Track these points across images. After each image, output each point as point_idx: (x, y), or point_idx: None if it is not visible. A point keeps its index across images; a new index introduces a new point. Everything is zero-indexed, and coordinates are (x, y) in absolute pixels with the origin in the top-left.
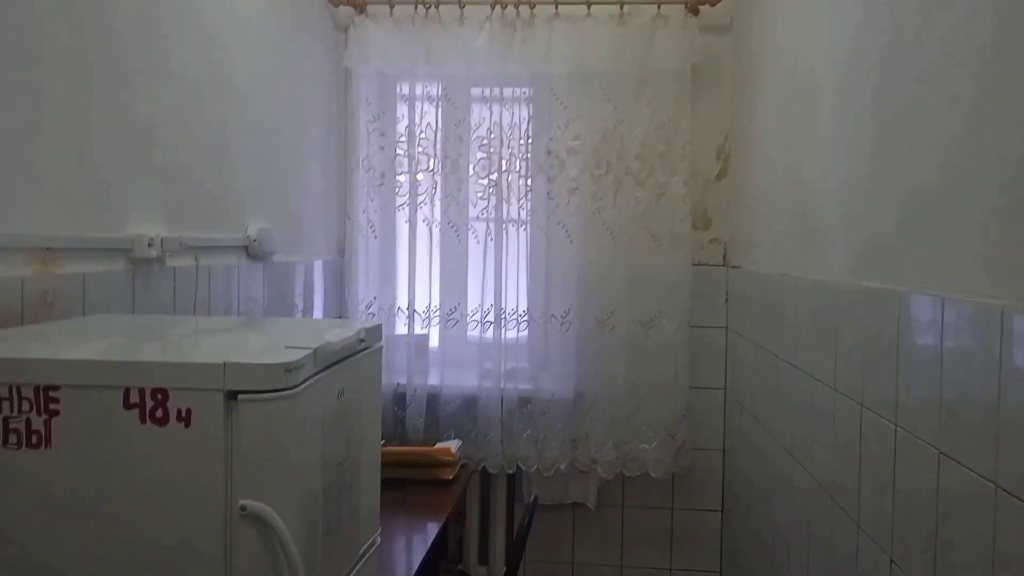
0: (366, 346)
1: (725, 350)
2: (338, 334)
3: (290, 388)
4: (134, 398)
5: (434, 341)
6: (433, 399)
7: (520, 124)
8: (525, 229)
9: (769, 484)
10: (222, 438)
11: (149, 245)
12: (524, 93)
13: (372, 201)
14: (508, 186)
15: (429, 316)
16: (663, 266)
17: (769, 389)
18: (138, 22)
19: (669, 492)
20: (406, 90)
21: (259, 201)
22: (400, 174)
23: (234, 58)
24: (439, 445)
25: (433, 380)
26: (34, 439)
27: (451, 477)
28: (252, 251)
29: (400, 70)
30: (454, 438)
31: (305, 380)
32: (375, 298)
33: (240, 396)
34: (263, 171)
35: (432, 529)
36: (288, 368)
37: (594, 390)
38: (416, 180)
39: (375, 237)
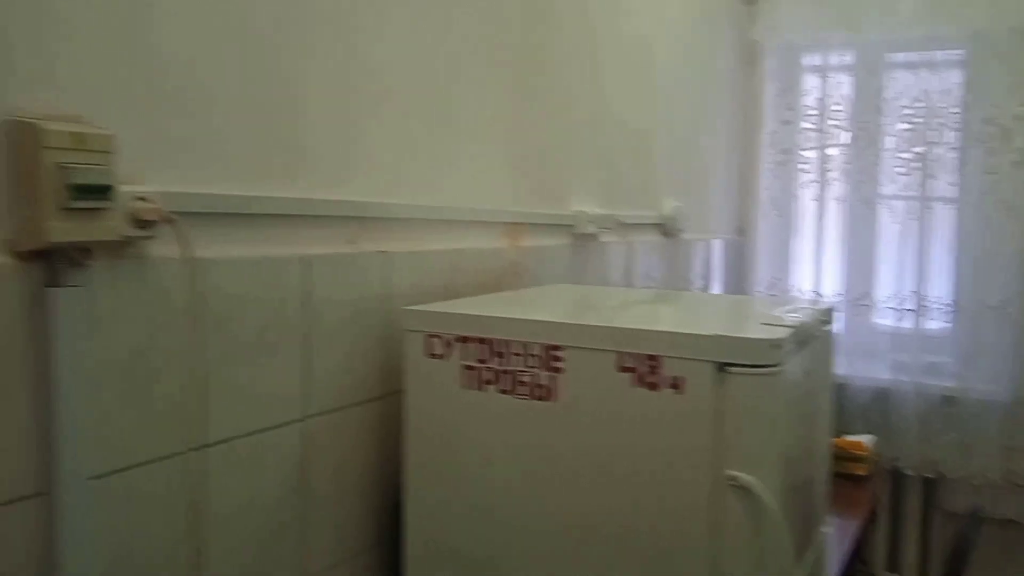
0: (828, 328)
1: None
2: (796, 313)
3: (775, 364)
4: (629, 362)
5: (838, 327)
6: (840, 389)
7: (951, 91)
8: (954, 208)
9: None
10: (712, 408)
11: (588, 222)
12: (956, 56)
13: (776, 179)
14: (935, 160)
15: (834, 301)
16: None
17: None
18: (577, 29)
19: None
20: (816, 61)
21: (671, 181)
22: (806, 149)
23: (655, 48)
24: (848, 438)
25: (840, 369)
26: (541, 392)
27: (864, 473)
28: (665, 229)
29: (811, 40)
30: (864, 432)
31: (786, 357)
32: (776, 279)
33: (731, 368)
34: (675, 152)
35: (850, 527)
36: (774, 344)
37: None
38: (825, 155)
39: (777, 216)
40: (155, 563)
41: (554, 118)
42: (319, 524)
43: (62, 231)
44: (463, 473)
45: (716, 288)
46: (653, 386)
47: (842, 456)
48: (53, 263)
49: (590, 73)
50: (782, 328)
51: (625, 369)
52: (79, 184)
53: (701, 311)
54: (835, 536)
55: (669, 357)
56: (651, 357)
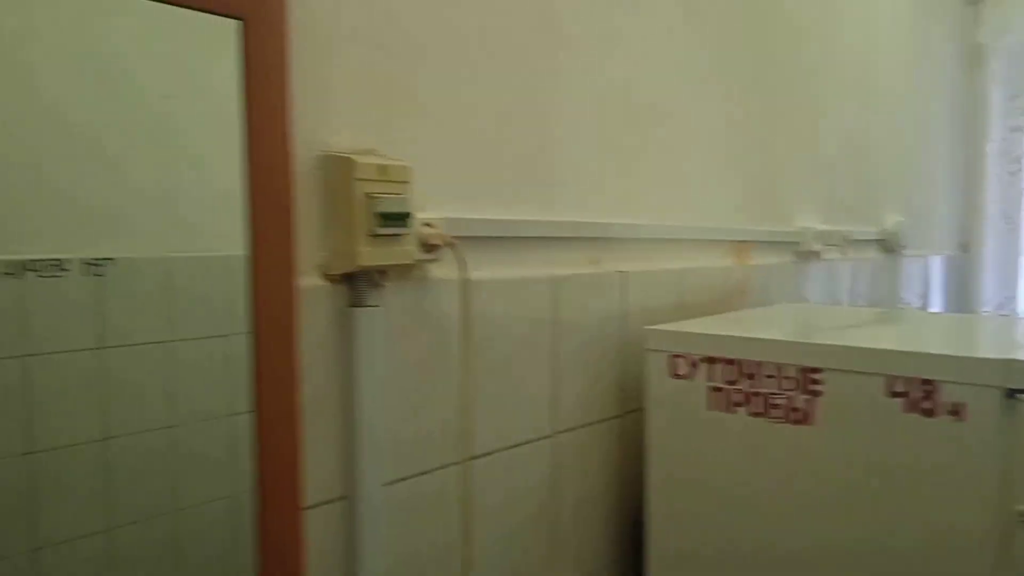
0: None
1: None
2: None
3: None
4: (899, 387)
5: None
6: None
7: None
8: None
9: None
10: (998, 437)
11: (813, 239)
12: None
13: (1006, 190)
14: None
15: None
16: None
17: None
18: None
19: None
20: None
21: (893, 194)
22: None
23: (874, 56)
24: None
25: None
26: (796, 416)
27: None
28: (887, 245)
29: None
30: None
31: None
32: (1006, 298)
33: (1021, 395)
34: (897, 164)
35: None
36: None
37: None
38: None
39: (1008, 230)
40: (434, 562)
41: (777, 133)
42: (565, 537)
43: (369, 256)
44: (708, 494)
45: (936, 307)
46: (929, 412)
47: None
48: (357, 285)
49: (811, 85)
50: None
51: (896, 394)
52: (384, 212)
53: (967, 332)
54: None
55: (948, 382)
56: (926, 381)
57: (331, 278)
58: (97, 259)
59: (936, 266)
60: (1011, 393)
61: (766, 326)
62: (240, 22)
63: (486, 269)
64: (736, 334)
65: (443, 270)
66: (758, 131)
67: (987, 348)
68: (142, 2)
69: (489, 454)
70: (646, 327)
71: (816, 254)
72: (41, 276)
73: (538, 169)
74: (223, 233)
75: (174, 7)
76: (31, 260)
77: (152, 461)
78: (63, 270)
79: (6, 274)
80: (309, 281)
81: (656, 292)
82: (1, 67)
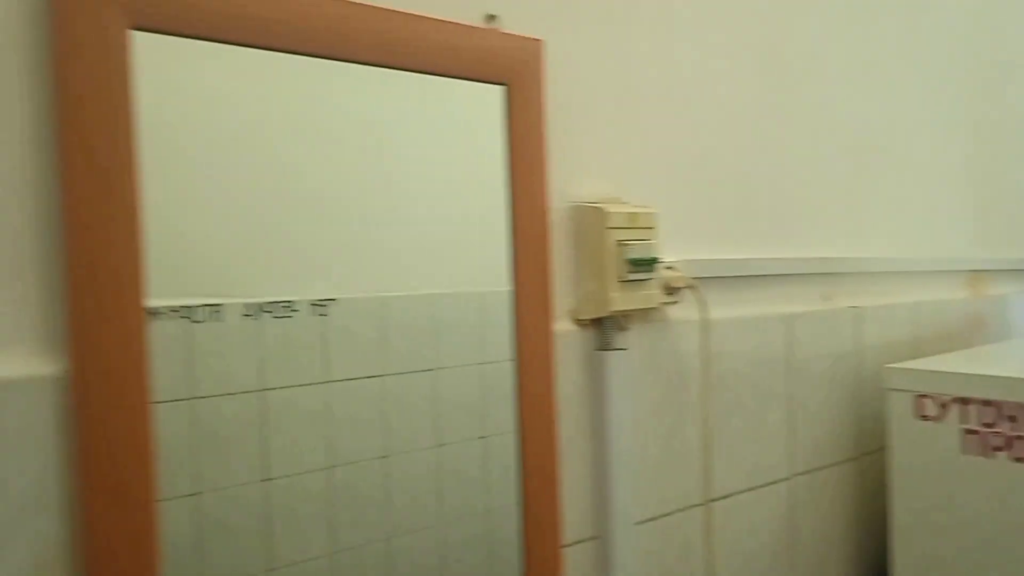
0: None
1: None
2: None
3: None
4: None
5: None
6: None
7: None
8: None
9: None
10: None
11: None
12: None
13: None
14: None
15: None
16: None
17: None
18: None
19: None
20: None
21: None
22: None
23: None
24: None
25: None
26: None
27: None
28: None
29: None
30: None
31: None
32: None
33: None
34: None
35: None
36: None
37: None
38: None
39: None
40: None
41: (1013, 154)
42: None
43: (620, 301)
44: (960, 542)
45: None
46: None
47: None
48: (606, 329)
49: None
50: None
51: None
52: (634, 258)
53: None
54: None
55: None
56: None
57: (581, 323)
58: (321, 300)
59: None
60: None
61: (1019, 363)
62: (504, 87)
63: (723, 308)
64: (990, 372)
65: (682, 311)
66: (992, 159)
67: None
68: (421, 77)
69: (728, 496)
70: (887, 365)
71: None
72: (275, 317)
73: (772, 207)
74: (477, 272)
75: (446, 78)
76: (266, 303)
77: (419, 479)
78: (293, 311)
79: (245, 316)
80: (562, 326)
81: (891, 327)
82: (280, 140)
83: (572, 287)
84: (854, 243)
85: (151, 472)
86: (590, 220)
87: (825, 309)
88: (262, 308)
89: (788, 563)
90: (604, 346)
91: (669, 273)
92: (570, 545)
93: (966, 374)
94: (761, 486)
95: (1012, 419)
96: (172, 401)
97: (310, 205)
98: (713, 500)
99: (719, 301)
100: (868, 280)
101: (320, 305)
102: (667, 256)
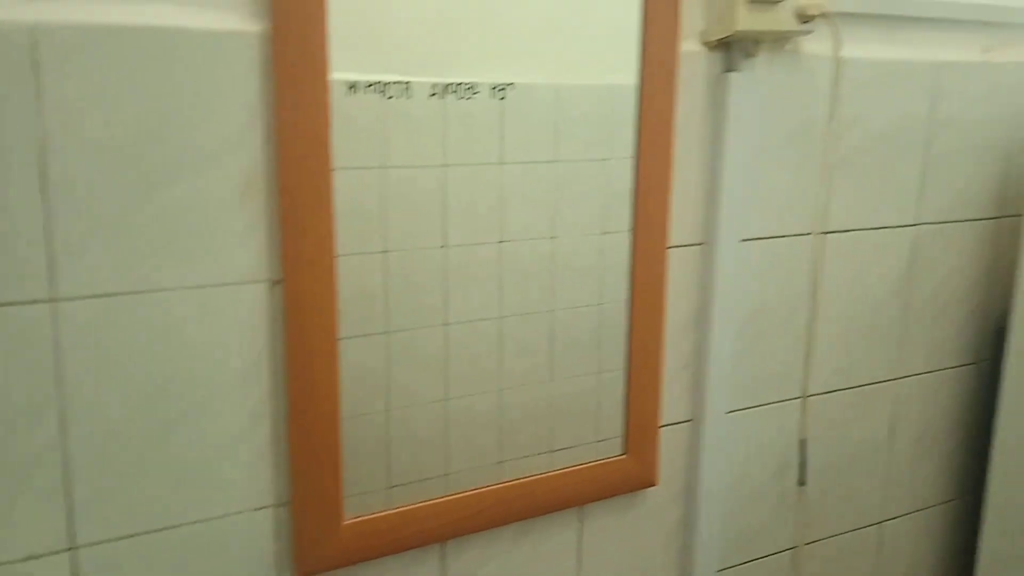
0: None
1: None
2: None
3: None
4: None
5: None
6: None
7: None
8: None
9: None
10: None
11: None
12: None
13: None
14: None
15: None
16: None
17: None
18: None
19: None
20: None
21: None
22: None
23: None
24: None
25: None
26: None
27: None
28: None
29: None
30: None
31: None
32: None
33: None
34: None
35: None
36: None
37: None
38: None
39: None
40: (778, 321)
41: None
42: (920, 329)
43: (746, 20)
44: None
45: None
46: None
47: None
48: (732, 52)
49: None
50: None
51: None
52: None
53: None
54: None
55: None
56: None
57: (710, 44)
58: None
59: None
60: None
61: None
62: None
63: (862, 47)
64: None
65: (816, 45)
66: None
67: None
68: None
69: (845, 231)
70: None
71: None
72: (460, 97)
73: None
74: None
75: None
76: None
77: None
78: (475, 93)
79: (431, 95)
80: (690, 46)
81: None
82: None
83: (704, 12)
84: None
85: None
86: None
87: (982, 61)
88: (447, 88)
89: (903, 310)
90: (730, 68)
91: (805, 1)
92: (677, 246)
93: None
94: (881, 227)
95: None
96: (362, 168)
97: None
98: (828, 232)
99: (862, 39)
100: None
101: (500, 89)
102: None
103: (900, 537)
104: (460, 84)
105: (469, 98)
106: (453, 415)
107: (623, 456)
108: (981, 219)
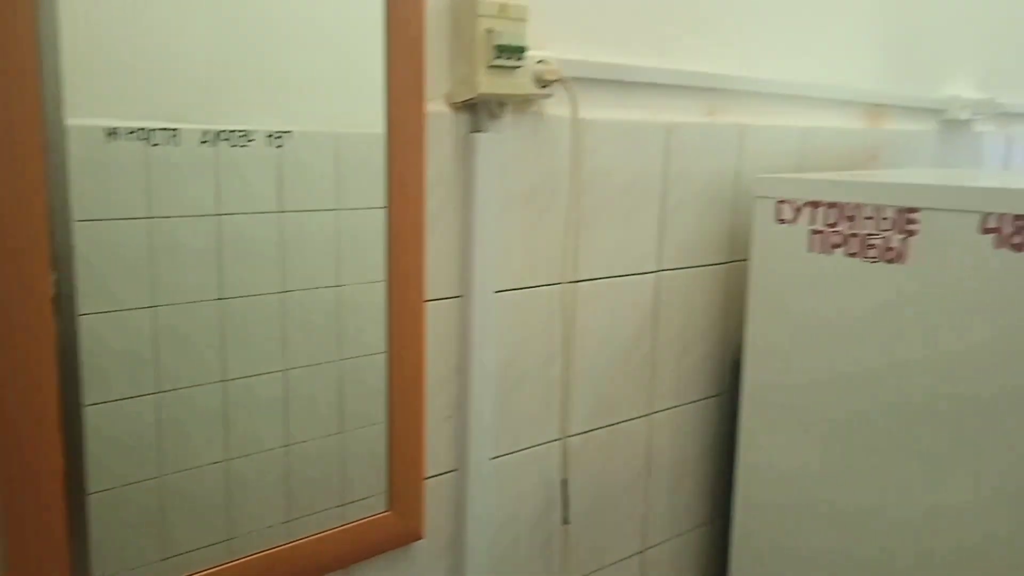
0: None
1: None
2: None
3: None
4: (992, 223)
5: None
6: None
7: None
8: None
9: None
10: None
11: (961, 107)
12: None
13: None
14: None
15: None
16: None
17: None
18: None
19: None
20: None
21: None
22: None
23: None
24: None
25: None
26: (891, 255)
27: None
28: None
29: None
30: None
31: None
32: None
33: None
34: None
35: None
36: None
37: None
38: None
39: None
40: (535, 367)
41: None
42: (663, 366)
43: (489, 84)
44: (805, 334)
45: None
46: (1020, 247)
47: None
48: (478, 113)
49: None
50: None
51: (988, 230)
52: (502, 44)
53: None
54: None
55: None
56: (1019, 217)
57: (456, 106)
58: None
59: None
60: None
61: (880, 178)
62: None
63: (600, 110)
64: (843, 179)
65: (558, 108)
66: None
67: None
68: None
69: (593, 279)
70: (758, 176)
71: (965, 124)
72: (233, 145)
73: (656, 14)
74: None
75: None
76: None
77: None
78: (250, 140)
79: (202, 143)
80: (437, 107)
81: (775, 149)
82: None
83: (447, 74)
84: (747, 62)
85: None
86: (463, 10)
87: (708, 123)
88: (219, 136)
89: (650, 348)
90: (476, 129)
91: (541, 66)
92: (434, 300)
93: (817, 180)
94: (626, 274)
95: (850, 219)
96: (129, 219)
97: (267, 36)
98: (578, 281)
99: (599, 103)
100: (758, 101)
101: (276, 137)
102: (544, 52)
103: (662, 563)
104: (233, 131)
105: (244, 145)
106: (231, 477)
107: (387, 513)
108: (714, 264)
